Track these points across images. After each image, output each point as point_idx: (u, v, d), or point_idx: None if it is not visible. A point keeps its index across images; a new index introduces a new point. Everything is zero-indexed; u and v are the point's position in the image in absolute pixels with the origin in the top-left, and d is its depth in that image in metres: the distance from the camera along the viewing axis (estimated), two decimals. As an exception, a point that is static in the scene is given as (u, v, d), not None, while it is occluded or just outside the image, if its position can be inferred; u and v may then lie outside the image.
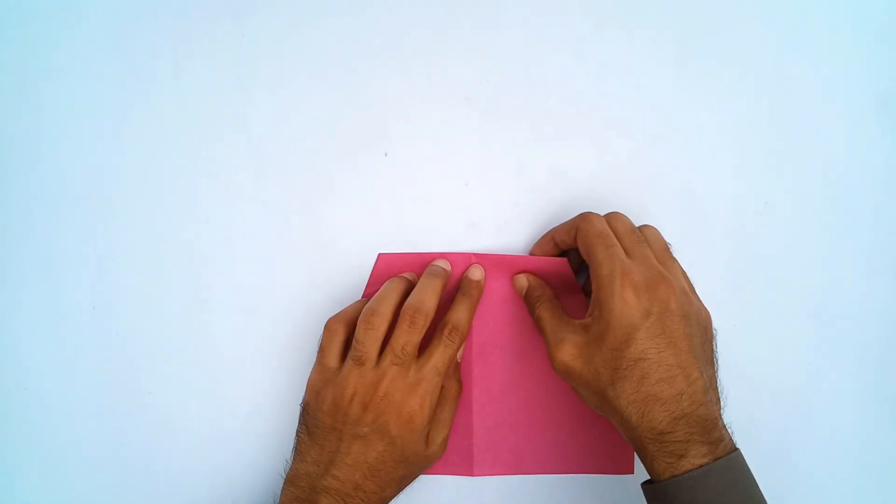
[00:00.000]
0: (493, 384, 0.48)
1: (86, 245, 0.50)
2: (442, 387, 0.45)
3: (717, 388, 0.41)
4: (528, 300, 0.47)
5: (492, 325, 0.48)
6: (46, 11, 0.50)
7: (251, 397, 0.49)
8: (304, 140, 0.49)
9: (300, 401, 0.45)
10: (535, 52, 0.49)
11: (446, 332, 0.44)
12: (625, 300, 0.39)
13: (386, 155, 0.49)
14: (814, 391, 0.48)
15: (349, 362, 0.43)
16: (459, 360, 0.47)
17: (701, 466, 0.37)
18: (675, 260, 0.43)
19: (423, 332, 0.43)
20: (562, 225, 0.46)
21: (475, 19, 0.49)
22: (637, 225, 0.44)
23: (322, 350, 0.44)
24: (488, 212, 0.49)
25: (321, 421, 0.43)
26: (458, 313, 0.45)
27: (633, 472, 0.48)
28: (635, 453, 0.43)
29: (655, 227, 0.45)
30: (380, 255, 0.48)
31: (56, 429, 0.50)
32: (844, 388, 0.48)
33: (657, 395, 0.38)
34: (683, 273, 0.44)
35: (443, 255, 0.48)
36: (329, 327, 0.44)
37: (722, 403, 0.41)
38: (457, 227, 0.49)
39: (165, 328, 0.50)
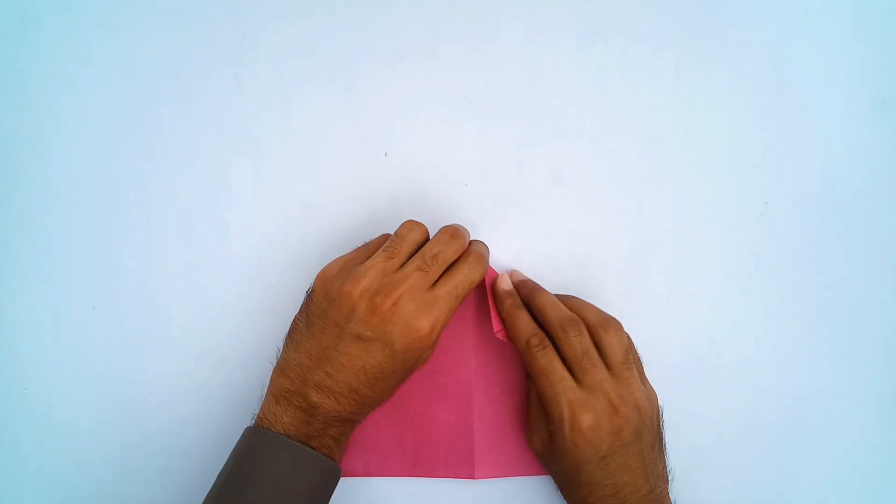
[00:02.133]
0: (494, 386, 0.48)
1: (86, 245, 0.50)
2: None
3: (663, 475, 0.43)
4: (528, 346, 0.45)
5: (493, 327, 0.48)
6: (46, 11, 0.50)
7: (252, 397, 0.49)
8: (304, 140, 0.49)
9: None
10: (535, 53, 0.49)
11: (472, 256, 0.42)
12: (574, 444, 0.40)
13: (386, 155, 0.49)
14: (814, 391, 0.48)
15: (380, 253, 0.41)
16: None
17: None
18: (631, 366, 0.42)
19: (459, 252, 0.42)
20: (514, 333, 0.44)
21: (475, 19, 0.49)
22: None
23: (366, 245, 0.44)
24: (488, 212, 0.49)
25: (324, 310, 0.40)
26: (481, 248, 0.44)
27: None
28: None
29: (616, 323, 0.43)
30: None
31: (56, 429, 0.50)
32: (844, 388, 0.48)
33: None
34: (637, 364, 0.44)
35: None
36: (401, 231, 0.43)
37: (669, 478, 0.43)
38: (457, 227, 0.49)
39: (165, 328, 0.50)
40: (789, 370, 0.48)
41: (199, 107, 0.50)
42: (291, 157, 0.49)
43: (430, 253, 0.41)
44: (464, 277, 0.41)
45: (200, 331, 0.49)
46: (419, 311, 0.39)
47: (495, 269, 0.48)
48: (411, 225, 0.42)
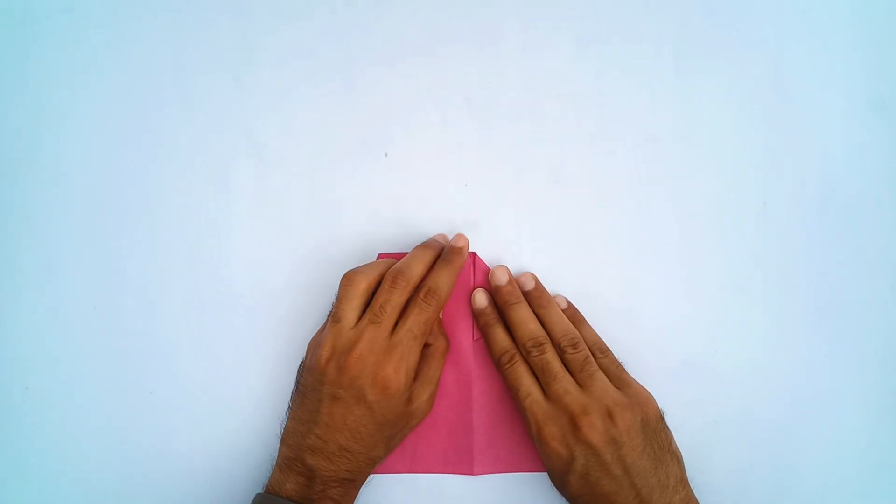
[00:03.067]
0: (493, 383, 0.48)
1: (87, 245, 0.50)
2: (428, 344, 0.45)
3: (666, 484, 0.42)
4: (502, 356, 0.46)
5: (473, 335, 0.48)
6: (46, 11, 0.50)
7: (252, 397, 0.49)
8: (304, 140, 0.49)
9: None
10: (535, 53, 0.49)
11: (422, 294, 0.43)
12: (547, 454, 0.42)
13: (386, 155, 0.49)
14: (814, 391, 0.48)
15: (328, 321, 0.43)
16: (441, 317, 0.47)
17: None
18: (595, 370, 0.43)
19: (405, 294, 0.43)
20: (490, 346, 0.46)
21: (475, 20, 0.49)
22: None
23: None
24: (488, 212, 0.49)
25: (305, 379, 0.43)
26: (437, 277, 0.44)
27: None
28: None
29: (583, 319, 0.46)
30: (379, 255, 0.48)
31: (56, 429, 0.50)
32: (844, 388, 0.48)
33: None
34: (610, 366, 0.45)
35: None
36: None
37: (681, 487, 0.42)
38: (457, 227, 0.49)
39: (167, 328, 0.50)
40: (789, 370, 0.48)
41: (199, 107, 0.50)
42: (292, 157, 0.49)
43: (377, 305, 0.42)
44: (415, 320, 0.43)
45: (201, 330, 0.50)
46: (380, 360, 0.42)
47: (487, 264, 0.48)
48: (346, 282, 0.43)
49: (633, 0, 0.49)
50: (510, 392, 0.45)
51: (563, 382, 0.43)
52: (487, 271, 0.48)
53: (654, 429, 0.43)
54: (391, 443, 0.44)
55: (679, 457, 0.43)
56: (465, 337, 0.48)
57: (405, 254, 0.48)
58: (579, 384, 0.43)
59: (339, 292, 0.43)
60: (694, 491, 0.43)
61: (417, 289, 0.44)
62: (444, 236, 0.48)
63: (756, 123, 0.49)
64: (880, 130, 0.49)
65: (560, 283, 0.49)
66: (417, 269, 0.44)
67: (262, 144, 0.49)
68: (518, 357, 0.45)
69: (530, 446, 0.48)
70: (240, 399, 0.49)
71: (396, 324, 0.43)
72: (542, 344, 0.44)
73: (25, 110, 0.50)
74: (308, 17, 0.49)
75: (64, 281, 0.50)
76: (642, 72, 0.49)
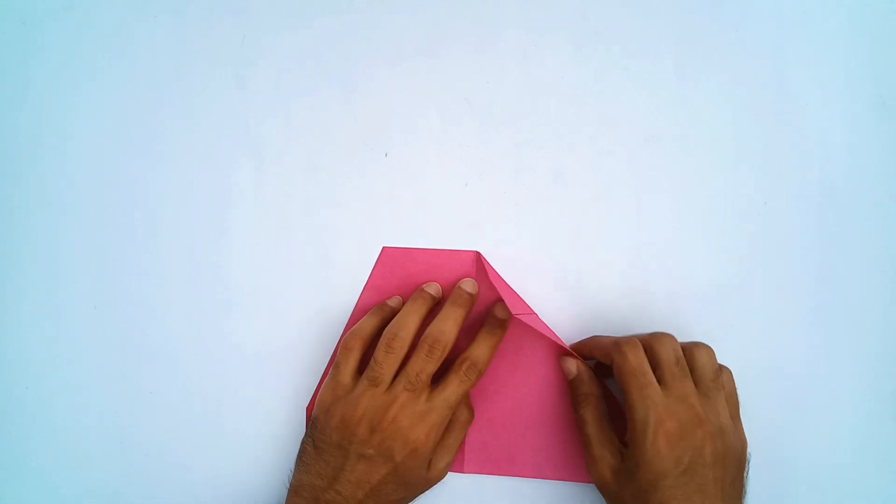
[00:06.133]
0: (489, 385, 0.48)
1: (87, 244, 0.50)
2: (454, 413, 0.46)
3: None
4: (574, 391, 0.46)
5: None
6: (46, 11, 0.50)
7: (252, 397, 0.49)
8: (304, 140, 0.49)
9: (302, 402, 0.45)
10: (535, 53, 0.49)
11: (465, 367, 0.44)
12: (656, 450, 0.40)
13: (386, 155, 0.49)
14: (813, 391, 0.48)
15: (364, 382, 0.43)
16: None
17: None
18: (720, 389, 0.42)
19: (440, 361, 0.43)
20: (599, 344, 0.45)
21: (475, 20, 0.49)
22: (692, 341, 0.44)
23: (337, 366, 0.45)
24: (488, 212, 0.49)
25: (328, 436, 0.43)
26: (480, 351, 0.45)
27: None
28: None
29: (710, 347, 0.43)
30: (384, 248, 0.49)
31: (56, 429, 0.50)
32: (844, 388, 0.48)
33: None
34: (731, 397, 0.43)
35: (447, 253, 0.48)
36: (346, 345, 0.45)
37: None
38: (457, 227, 0.49)
39: (167, 328, 0.50)
40: (788, 370, 0.48)
41: (199, 107, 0.50)
42: (292, 157, 0.49)
43: (413, 373, 0.43)
44: (454, 391, 0.43)
45: (201, 330, 0.50)
46: (414, 424, 0.42)
47: (500, 275, 0.48)
48: (385, 347, 0.43)
49: (633, 1, 0.49)
50: (624, 379, 0.41)
51: (690, 383, 0.42)
52: (491, 271, 0.48)
53: (743, 469, 0.42)
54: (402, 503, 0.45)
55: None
56: (464, 339, 0.48)
57: (410, 249, 0.48)
58: (702, 391, 0.41)
59: (377, 355, 0.43)
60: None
61: (460, 360, 0.44)
62: (471, 283, 0.47)
63: (756, 123, 0.49)
64: (880, 130, 0.49)
65: (560, 283, 0.49)
66: (452, 333, 0.44)
67: (262, 144, 0.49)
68: (641, 346, 0.43)
69: (522, 450, 0.48)
70: (240, 399, 0.49)
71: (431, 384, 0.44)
72: (673, 337, 0.43)
73: (26, 110, 0.50)
74: (309, 18, 0.49)
75: (64, 281, 0.50)
76: (642, 72, 0.49)
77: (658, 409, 0.40)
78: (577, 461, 0.48)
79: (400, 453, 0.42)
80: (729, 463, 0.40)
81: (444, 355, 0.43)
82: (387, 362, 0.43)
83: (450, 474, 0.48)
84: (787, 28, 0.49)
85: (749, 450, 0.43)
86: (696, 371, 0.42)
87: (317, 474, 0.43)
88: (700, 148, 0.49)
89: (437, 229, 0.49)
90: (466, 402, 0.47)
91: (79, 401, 0.50)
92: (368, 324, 0.46)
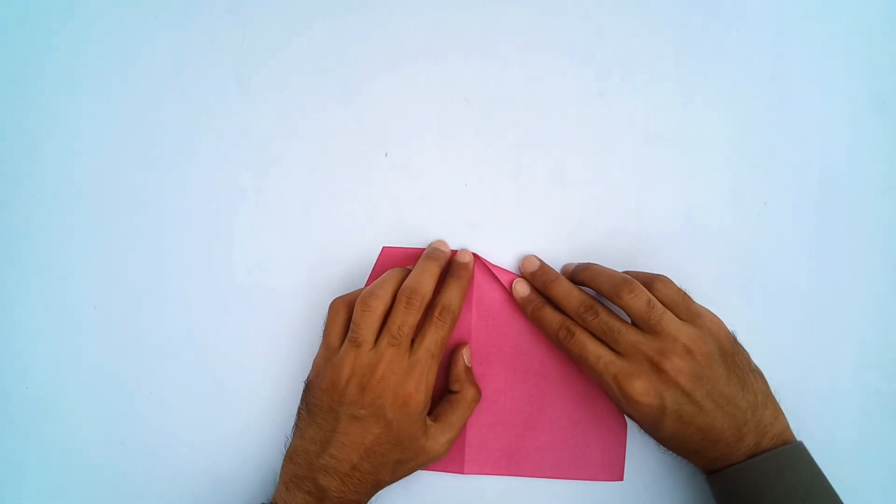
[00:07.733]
0: (489, 384, 0.48)
1: (87, 244, 0.50)
2: (456, 391, 0.46)
3: (753, 403, 0.42)
4: (524, 308, 0.47)
5: (491, 327, 0.48)
6: (46, 11, 0.50)
7: (252, 399, 0.49)
8: (304, 140, 0.49)
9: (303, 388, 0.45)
10: (535, 53, 0.49)
11: (437, 312, 0.44)
12: (637, 410, 0.42)
13: (386, 155, 0.49)
14: (813, 391, 0.48)
15: (347, 344, 0.43)
16: (468, 364, 0.47)
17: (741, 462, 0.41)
18: (661, 317, 0.42)
19: (420, 313, 0.43)
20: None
21: (475, 20, 0.49)
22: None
23: (326, 330, 0.45)
24: (488, 212, 0.49)
25: (319, 400, 0.43)
26: (449, 294, 0.45)
27: (622, 480, 0.48)
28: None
29: (630, 279, 0.43)
30: (383, 248, 0.49)
31: (56, 429, 0.50)
32: (844, 388, 0.48)
33: (698, 451, 0.43)
34: (673, 302, 0.43)
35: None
36: (332, 307, 0.45)
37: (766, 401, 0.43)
38: (457, 227, 0.49)
39: (167, 328, 0.50)
40: (788, 370, 0.48)
41: (199, 107, 0.50)
42: (292, 157, 0.49)
43: (395, 327, 0.43)
44: (432, 338, 0.43)
45: (201, 331, 0.50)
46: (401, 379, 0.42)
47: (507, 270, 0.48)
48: (363, 307, 0.43)
49: (633, 1, 0.49)
50: (581, 365, 0.44)
51: (630, 334, 0.42)
52: (489, 269, 0.48)
53: (730, 353, 0.43)
54: (398, 470, 0.44)
55: (759, 372, 0.44)
56: (463, 340, 0.48)
57: (410, 249, 0.48)
58: (650, 329, 0.42)
59: (355, 316, 0.43)
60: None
61: (431, 307, 0.44)
62: (442, 242, 0.48)
63: (756, 123, 0.49)
64: (880, 130, 0.49)
65: (560, 283, 0.48)
66: (429, 286, 0.44)
67: (262, 144, 0.49)
68: (575, 327, 0.44)
69: (522, 449, 0.48)
70: (240, 399, 0.49)
71: (413, 341, 0.44)
72: (593, 306, 0.44)
73: (26, 111, 0.50)
74: (308, 19, 0.49)
75: (64, 281, 0.50)
76: (642, 72, 0.49)
77: (616, 378, 0.42)
78: (577, 461, 0.48)
79: (391, 409, 0.42)
80: (709, 369, 0.41)
81: (423, 306, 0.43)
82: (364, 321, 0.43)
83: (450, 474, 0.48)
84: (787, 28, 0.49)
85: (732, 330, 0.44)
86: (632, 318, 0.43)
87: (310, 439, 0.43)
88: (700, 148, 0.49)
89: (436, 229, 0.49)
90: (472, 380, 0.47)
91: (78, 401, 0.50)
92: (356, 291, 0.46)
